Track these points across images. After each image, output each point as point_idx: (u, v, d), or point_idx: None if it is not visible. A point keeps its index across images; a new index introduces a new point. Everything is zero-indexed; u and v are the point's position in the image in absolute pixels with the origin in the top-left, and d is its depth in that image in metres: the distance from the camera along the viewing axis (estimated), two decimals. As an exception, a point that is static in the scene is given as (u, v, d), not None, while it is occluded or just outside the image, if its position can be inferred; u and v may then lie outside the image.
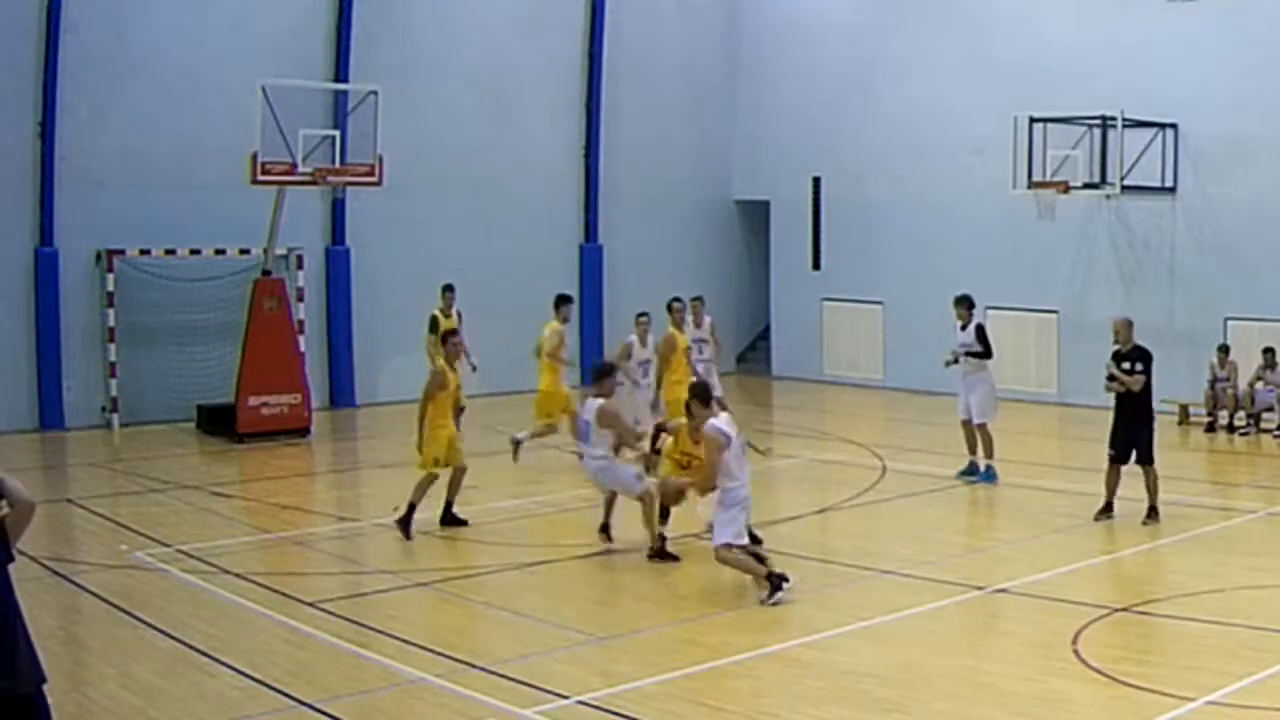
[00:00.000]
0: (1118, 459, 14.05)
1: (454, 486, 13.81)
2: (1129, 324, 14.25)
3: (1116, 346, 14.16)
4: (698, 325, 17.81)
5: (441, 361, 14.00)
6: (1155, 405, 14.25)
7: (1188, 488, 16.14)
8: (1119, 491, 14.05)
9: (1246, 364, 20.19)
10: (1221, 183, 21.16)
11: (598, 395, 12.73)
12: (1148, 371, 13.90)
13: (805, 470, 18.03)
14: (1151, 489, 13.96)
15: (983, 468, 16.34)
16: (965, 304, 16.60)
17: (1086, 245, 22.53)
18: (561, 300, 18.07)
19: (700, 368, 17.24)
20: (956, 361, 16.58)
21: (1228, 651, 9.52)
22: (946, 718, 8.50)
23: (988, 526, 14.19)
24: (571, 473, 17.33)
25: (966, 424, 16.57)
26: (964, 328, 16.46)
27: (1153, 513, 13.88)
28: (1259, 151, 20.67)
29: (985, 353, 16.37)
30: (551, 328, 17.63)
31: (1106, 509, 14.09)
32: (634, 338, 17.44)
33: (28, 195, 20.17)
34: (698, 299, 18.22)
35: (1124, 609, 10.74)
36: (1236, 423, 20.18)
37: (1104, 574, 12.42)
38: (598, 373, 13.14)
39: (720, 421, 11.40)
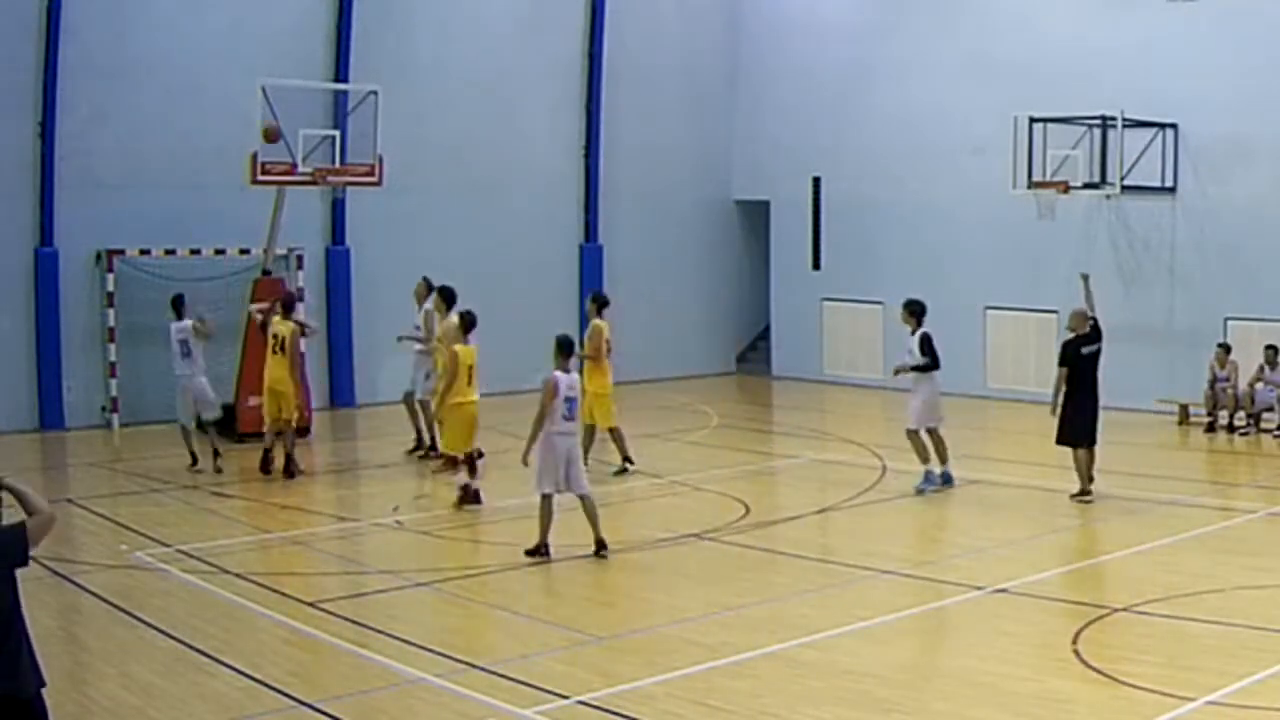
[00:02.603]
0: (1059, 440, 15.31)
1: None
2: (1072, 313, 15.51)
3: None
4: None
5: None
6: (1102, 395, 15.46)
7: (1188, 488, 16.16)
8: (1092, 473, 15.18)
9: (1247, 364, 20.19)
10: (1221, 183, 21.15)
11: (565, 370, 12.61)
12: (1061, 360, 15.22)
13: (805, 470, 18.04)
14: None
15: (939, 472, 15.78)
16: (910, 310, 15.95)
17: (1086, 245, 22.51)
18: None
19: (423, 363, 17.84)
20: (906, 370, 15.91)
21: (1228, 651, 9.52)
22: (946, 718, 8.50)
23: (987, 526, 14.18)
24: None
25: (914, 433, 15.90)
26: (913, 335, 15.82)
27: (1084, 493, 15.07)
28: (1259, 151, 20.66)
29: (932, 364, 15.65)
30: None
31: (1085, 492, 15.09)
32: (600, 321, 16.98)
33: (28, 195, 20.17)
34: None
35: (1124, 609, 10.73)
36: (1236, 423, 20.17)
37: (1104, 574, 12.43)
38: (569, 347, 12.82)
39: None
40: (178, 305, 17.70)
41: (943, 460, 15.89)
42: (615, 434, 16.95)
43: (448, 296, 16.86)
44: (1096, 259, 22.48)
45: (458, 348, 15.10)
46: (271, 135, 18.85)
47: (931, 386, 15.86)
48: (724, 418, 22.43)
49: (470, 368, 15.06)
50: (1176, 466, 18.14)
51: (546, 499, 12.48)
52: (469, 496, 14.95)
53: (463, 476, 15.00)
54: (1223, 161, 21.08)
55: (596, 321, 16.95)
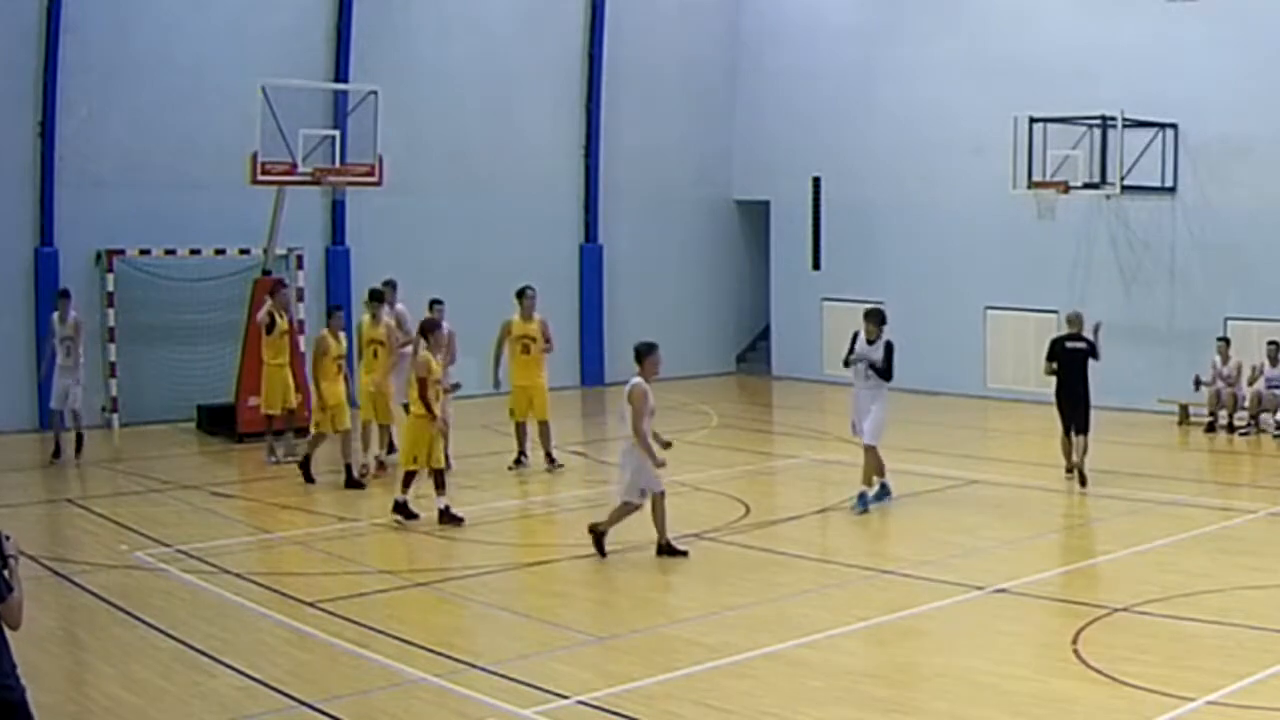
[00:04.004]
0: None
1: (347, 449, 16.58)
2: (1069, 316, 16.49)
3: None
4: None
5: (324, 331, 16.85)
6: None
7: (1188, 488, 16.17)
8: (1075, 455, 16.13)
9: (1246, 364, 20.16)
10: (1221, 183, 21.16)
11: (641, 374, 12.65)
12: (1048, 354, 16.29)
13: (805, 470, 18.03)
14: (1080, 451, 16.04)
15: (875, 488, 14.98)
16: (875, 319, 15.07)
17: (1086, 245, 22.53)
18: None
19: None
20: (849, 365, 15.10)
21: (1228, 651, 9.53)
22: (946, 718, 8.50)
23: (988, 526, 14.17)
24: (571, 472, 17.36)
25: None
26: (871, 343, 14.94)
27: (1081, 479, 15.82)
28: (1259, 151, 20.67)
29: (886, 373, 14.85)
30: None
31: (1069, 470, 16.13)
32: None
33: (28, 195, 20.18)
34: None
35: (1124, 609, 10.73)
36: (1236, 423, 20.17)
37: (1104, 574, 12.42)
38: (642, 350, 12.88)
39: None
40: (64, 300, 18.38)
41: (868, 480, 14.99)
42: (541, 429, 17.17)
43: (376, 299, 17.35)
44: (1096, 259, 22.55)
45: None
46: None
47: (885, 400, 15.08)
48: (724, 418, 22.43)
49: (338, 358, 16.79)
50: (1176, 466, 18.14)
51: (654, 498, 12.74)
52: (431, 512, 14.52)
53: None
54: (1223, 161, 21.08)
55: (538, 318, 17.46)
